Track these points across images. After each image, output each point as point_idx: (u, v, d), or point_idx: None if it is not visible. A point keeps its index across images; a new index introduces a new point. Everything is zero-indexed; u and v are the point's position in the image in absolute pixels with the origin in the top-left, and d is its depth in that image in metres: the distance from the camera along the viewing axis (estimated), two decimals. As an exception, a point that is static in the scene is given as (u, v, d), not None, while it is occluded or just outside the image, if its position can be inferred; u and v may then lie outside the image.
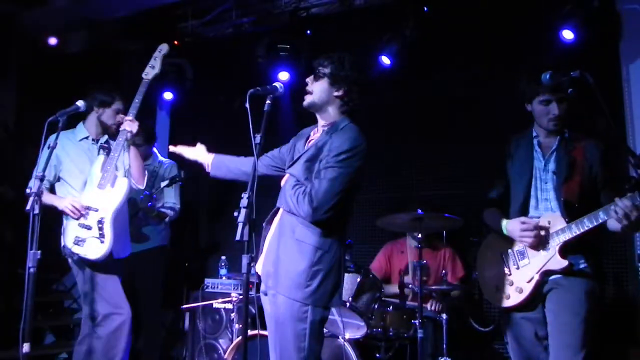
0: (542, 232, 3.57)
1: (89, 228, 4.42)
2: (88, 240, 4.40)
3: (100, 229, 4.38)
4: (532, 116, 3.77)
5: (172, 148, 4.06)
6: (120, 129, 4.52)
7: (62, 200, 4.50)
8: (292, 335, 3.13)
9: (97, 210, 4.44)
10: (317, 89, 3.34)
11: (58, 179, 4.69)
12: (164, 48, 4.42)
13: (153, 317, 5.68)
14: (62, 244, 4.50)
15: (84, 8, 6.55)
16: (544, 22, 5.27)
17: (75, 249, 4.41)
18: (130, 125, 4.47)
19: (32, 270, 3.52)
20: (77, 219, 4.42)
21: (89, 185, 4.54)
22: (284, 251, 3.21)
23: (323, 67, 3.34)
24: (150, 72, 4.40)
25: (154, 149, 5.92)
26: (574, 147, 3.64)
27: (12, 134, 7.17)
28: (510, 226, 3.66)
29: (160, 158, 5.93)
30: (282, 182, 3.39)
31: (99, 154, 4.66)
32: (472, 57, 5.80)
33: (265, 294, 3.31)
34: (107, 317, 4.49)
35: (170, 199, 5.67)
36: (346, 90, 3.33)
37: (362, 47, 5.97)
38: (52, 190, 4.68)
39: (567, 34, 5.15)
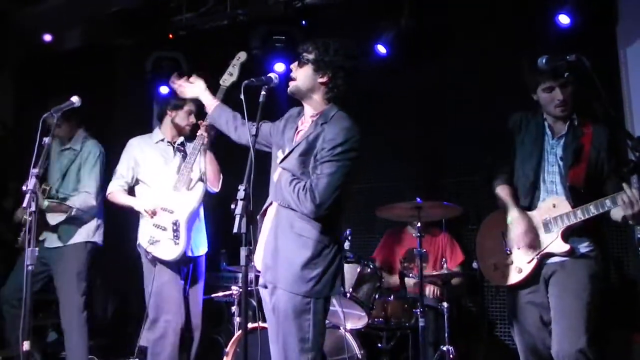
0: (546, 220, 3.60)
1: (164, 229, 4.57)
2: (163, 240, 4.55)
3: (175, 230, 4.53)
4: (540, 105, 3.76)
5: (172, 81, 4.11)
6: (197, 134, 4.56)
7: (138, 201, 4.71)
8: (295, 327, 3.11)
9: (172, 212, 4.58)
10: (301, 75, 3.28)
11: (137, 182, 4.87)
12: (242, 56, 4.37)
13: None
14: (137, 242, 4.68)
15: (79, 4, 6.52)
16: (539, 8, 5.25)
17: (150, 249, 4.57)
18: (205, 129, 4.49)
19: (30, 267, 3.52)
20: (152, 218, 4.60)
21: (165, 187, 4.64)
22: (283, 245, 3.18)
23: (307, 53, 3.27)
24: (228, 79, 4.37)
25: None
26: (582, 132, 3.65)
27: (10, 131, 7.17)
28: (515, 222, 3.68)
29: None
30: (275, 177, 3.33)
31: (175, 155, 4.82)
32: (469, 45, 5.78)
33: (265, 287, 3.30)
34: (154, 322, 4.60)
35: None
36: (331, 76, 3.25)
37: (358, 36, 5.94)
38: (131, 192, 4.87)
39: (564, 19, 5.14)
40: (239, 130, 3.72)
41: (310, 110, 3.35)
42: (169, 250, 4.54)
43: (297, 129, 3.39)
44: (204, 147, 4.57)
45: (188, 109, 4.88)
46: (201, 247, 4.88)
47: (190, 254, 4.71)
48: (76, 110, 4.42)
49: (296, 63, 3.32)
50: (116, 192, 4.86)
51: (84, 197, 5.05)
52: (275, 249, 3.20)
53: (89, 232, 5.16)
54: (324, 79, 3.27)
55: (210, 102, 3.90)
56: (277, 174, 3.30)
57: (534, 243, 3.63)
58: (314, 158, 3.17)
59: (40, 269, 4.94)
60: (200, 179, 4.68)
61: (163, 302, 4.61)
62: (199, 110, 4.67)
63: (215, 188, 4.77)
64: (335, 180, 3.11)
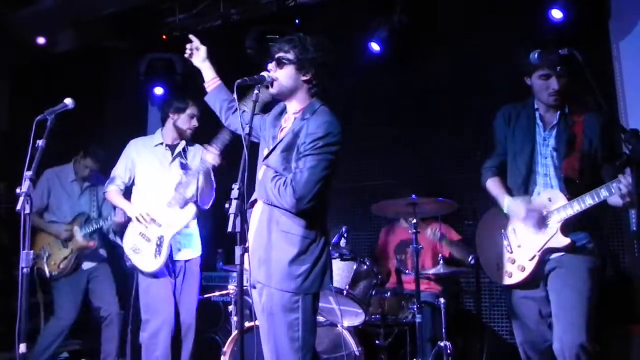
0: (544, 212, 3.58)
1: (148, 240, 4.65)
2: (144, 251, 4.63)
3: (159, 245, 4.60)
4: (532, 90, 3.75)
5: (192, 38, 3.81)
6: (202, 157, 4.51)
7: (132, 208, 4.76)
8: (285, 325, 3.12)
9: (160, 226, 4.64)
10: (283, 76, 3.25)
11: (134, 182, 4.92)
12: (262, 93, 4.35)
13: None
14: (121, 244, 4.79)
15: (72, 7, 6.51)
16: (532, 2, 5.25)
17: (131, 256, 4.67)
18: (213, 158, 4.37)
19: (25, 270, 3.50)
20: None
21: (160, 200, 4.69)
22: (270, 244, 3.18)
23: (285, 53, 3.24)
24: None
25: None
26: (573, 122, 3.65)
27: (5, 133, 7.15)
28: (513, 206, 3.66)
29: None
30: (259, 175, 3.33)
31: (172, 162, 4.84)
32: (462, 41, 5.78)
33: (254, 287, 3.30)
34: (146, 322, 4.65)
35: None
36: (314, 73, 3.25)
37: (351, 34, 5.96)
38: (127, 191, 4.95)
39: (556, 14, 5.13)
40: (230, 120, 3.71)
41: (293, 107, 3.34)
42: (148, 263, 4.62)
43: (280, 127, 3.38)
44: (205, 171, 4.57)
45: (190, 112, 4.89)
46: (192, 250, 4.89)
47: (178, 258, 4.76)
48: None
49: (274, 63, 3.28)
50: (113, 192, 4.90)
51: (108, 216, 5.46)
52: (263, 248, 3.19)
53: None
54: (307, 77, 3.26)
55: (210, 79, 3.76)
56: (261, 172, 3.30)
57: (541, 220, 3.59)
58: (296, 152, 3.17)
59: None
60: (194, 200, 4.69)
61: (152, 301, 4.66)
62: (202, 113, 4.72)
63: (206, 206, 4.82)
64: (316, 174, 3.10)
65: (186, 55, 3.79)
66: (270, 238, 3.19)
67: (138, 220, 4.67)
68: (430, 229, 5.16)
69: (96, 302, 5.64)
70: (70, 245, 5.53)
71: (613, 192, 3.32)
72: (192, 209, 4.69)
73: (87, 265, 5.66)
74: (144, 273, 4.67)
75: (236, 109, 3.58)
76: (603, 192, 3.38)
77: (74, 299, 5.57)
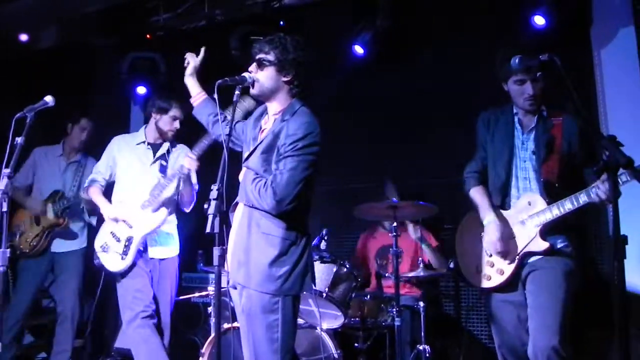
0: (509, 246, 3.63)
1: (117, 240, 4.66)
2: (112, 251, 4.64)
3: (127, 246, 4.60)
4: (509, 95, 3.77)
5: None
6: (182, 163, 4.52)
7: (107, 208, 4.75)
8: (264, 326, 3.12)
9: (130, 227, 4.64)
10: (263, 77, 3.26)
11: (114, 180, 4.93)
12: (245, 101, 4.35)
13: None
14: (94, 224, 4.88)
15: (55, 3, 6.47)
16: (515, 8, 5.28)
17: (99, 253, 4.68)
18: (190, 163, 4.42)
19: (2, 269, 3.49)
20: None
21: (134, 200, 4.69)
22: (251, 246, 3.19)
23: (266, 54, 3.26)
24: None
25: None
26: (552, 124, 3.67)
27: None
28: (491, 227, 3.67)
29: None
30: (240, 177, 3.34)
31: (153, 163, 4.83)
32: (445, 46, 5.79)
33: (234, 288, 3.29)
34: (134, 318, 4.60)
35: None
36: (295, 73, 3.27)
37: (335, 36, 5.96)
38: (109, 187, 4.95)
39: (539, 20, 5.16)
40: (215, 130, 3.73)
41: (274, 108, 3.34)
42: (114, 263, 4.63)
43: (260, 128, 3.38)
44: (183, 177, 4.57)
45: (173, 115, 4.86)
46: (169, 250, 4.87)
47: (152, 255, 4.76)
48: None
49: (255, 65, 3.29)
50: (93, 187, 4.89)
51: None
52: (243, 249, 3.20)
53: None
54: (288, 77, 3.27)
55: (195, 94, 3.80)
56: (242, 174, 3.31)
57: (508, 250, 3.63)
58: (277, 153, 3.17)
59: None
60: (164, 205, 4.68)
61: (130, 294, 4.63)
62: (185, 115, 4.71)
63: (187, 208, 4.84)
64: (296, 175, 3.11)
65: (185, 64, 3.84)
66: (250, 240, 3.19)
67: (109, 218, 4.70)
68: (411, 226, 5.18)
69: (53, 292, 5.59)
70: (42, 223, 5.43)
71: (592, 198, 3.37)
72: (162, 212, 4.67)
73: (57, 247, 5.52)
74: (110, 272, 4.66)
75: (222, 120, 3.57)
76: (582, 197, 3.42)
77: (34, 281, 5.46)
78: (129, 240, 4.61)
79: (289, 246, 3.17)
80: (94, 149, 5.35)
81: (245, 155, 3.38)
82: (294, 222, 3.19)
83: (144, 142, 4.91)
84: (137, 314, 4.56)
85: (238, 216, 3.31)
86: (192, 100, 3.82)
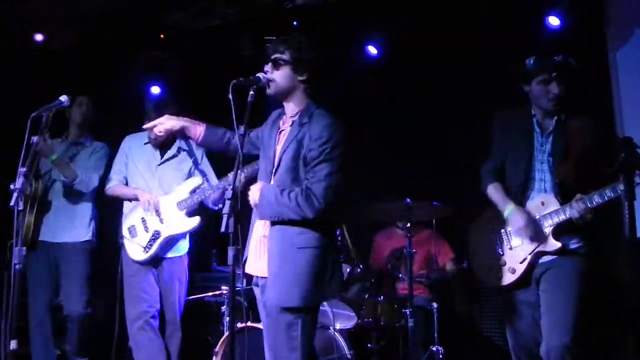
0: (539, 219, 3.60)
1: (146, 230, 4.65)
2: (138, 239, 4.65)
3: (152, 239, 4.61)
4: (530, 97, 3.74)
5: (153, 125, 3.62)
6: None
7: (144, 193, 4.69)
8: (284, 324, 3.10)
9: (162, 222, 4.63)
10: (279, 77, 3.23)
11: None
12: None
13: None
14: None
15: (70, 3, 6.50)
16: (530, 9, 5.26)
17: (125, 234, 4.69)
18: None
19: (17, 267, 3.49)
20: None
21: (174, 196, 4.69)
22: (288, 263, 3.12)
23: (281, 54, 3.23)
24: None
25: None
26: (569, 128, 3.65)
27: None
28: (514, 215, 3.65)
29: None
30: (255, 194, 3.21)
31: (159, 165, 4.82)
32: (459, 46, 5.78)
33: (257, 285, 3.30)
34: (138, 317, 4.61)
35: None
36: (310, 73, 3.25)
37: (349, 36, 5.96)
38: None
39: (554, 20, 5.15)
40: (232, 142, 3.55)
41: (290, 109, 3.32)
42: (136, 252, 4.65)
43: (279, 129, 3.36)
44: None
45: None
46: (177, 249, 4.83)
47: (161, 254, 4.72)
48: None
49: (270, 64, 3.26)
50: (116, 185, 4.88)
51: (89, 174, 4.96)
52: (281, 268, 3.14)
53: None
54: (304, 77, 3.25)
55: (195, 132, 3.54)
56: (256, 188, 3.22)
57: (537, 234, 3.60)
58: (304, 161, 3.15)
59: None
60: (198, 212, 4.68)
61: (134, 293, 4.65)
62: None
63: (215, 207, 4.76)
64: (333, 181, 3.10)
65: (159, 134, 3.61)
66: (287, 258, 3.13)
67: (144, 203, 4.63)
68: (450, 263, 5.27)
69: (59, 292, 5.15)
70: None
71: (606, 199, 3.37)
72: (196, 220, 4.65)
73: (59, 238, 5.02)
74: (128, 259, 4.67)
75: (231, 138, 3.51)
76: (596, 199, 3.41)
77: (46, 277, 5.01)
78: (156, 234, 4.61)
79: (317, 255, 3.12)
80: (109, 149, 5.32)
81: (262, 164, 3.37)
82: (325, 228, 3.17)
83: (149, 142, 4.92)
84: (140, 314, 4.59)
85: (259, 234, 3.28)
86: (195, 139, 3.60)
